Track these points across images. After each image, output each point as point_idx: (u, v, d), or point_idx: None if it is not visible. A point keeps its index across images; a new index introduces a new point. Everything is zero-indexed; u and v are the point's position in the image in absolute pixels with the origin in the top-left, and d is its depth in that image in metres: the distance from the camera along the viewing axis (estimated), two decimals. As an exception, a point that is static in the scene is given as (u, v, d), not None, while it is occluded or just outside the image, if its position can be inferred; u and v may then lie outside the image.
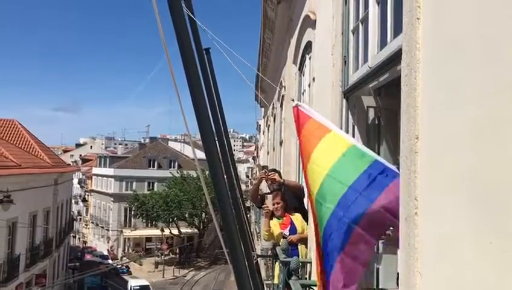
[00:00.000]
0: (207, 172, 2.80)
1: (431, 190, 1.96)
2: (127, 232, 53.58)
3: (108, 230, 55.74)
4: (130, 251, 54.07)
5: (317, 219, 2.97)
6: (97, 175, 60.32)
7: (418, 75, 2.09)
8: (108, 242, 55.86)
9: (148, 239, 53.76)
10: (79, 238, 65.30)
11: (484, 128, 1.57)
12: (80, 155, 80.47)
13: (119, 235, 54.47)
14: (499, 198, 1.46)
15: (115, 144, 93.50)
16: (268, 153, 16.22)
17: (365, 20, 3.61)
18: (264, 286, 6.22)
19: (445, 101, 1.86)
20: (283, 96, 10.11)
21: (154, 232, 51.38)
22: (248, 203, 14.11)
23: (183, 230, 50.95)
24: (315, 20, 5.65)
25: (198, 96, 2.47)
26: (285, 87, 9.50)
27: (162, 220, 48.70)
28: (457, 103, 1.76)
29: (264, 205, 6.10)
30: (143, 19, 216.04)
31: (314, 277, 3.99)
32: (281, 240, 5.21)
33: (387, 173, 2.78)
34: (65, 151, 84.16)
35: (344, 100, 3.98)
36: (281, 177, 6.30)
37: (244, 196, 7.93)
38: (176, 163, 57.07)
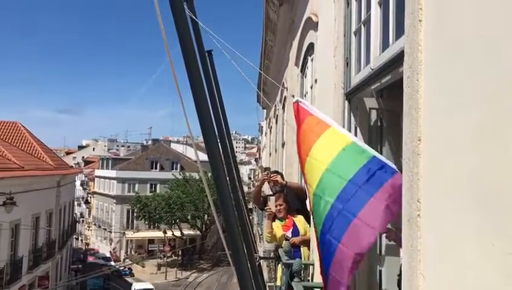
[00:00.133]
0: (209, 174, 2.80)
1: (433, 192, 1.95)
2: (130, 234, 53.59)
3: (110, 232, 55.73)
4: (133, 252, 54.07)
5: (315, 213, 2.98)
6: (99, 177, 60.37)
7: (420, 77, 2.09)
8: (110, 244, 55.86)
9: (151, 241, 53.73)
10: (81, 240, 65.34)
11: (486, 130, 1.57)
12: (83, 157, 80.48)
13: (122, 237, 54.47)
14: (501, 200, 1.46)
15: (118, 146, 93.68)
16: (270, 154, 16.21)
17: (367, 22, 3.62)
18: (267, 288, 6.21)
19: (448, 103, 1.86)
20: (285, 98, 10.11)
21: (157, 234, 51.35)
22: (250, 205, 14.10)
23: (185, 232, 50.91)
24: (317, 22, 5.65)
25: (201, 98, 2.48)
26: (287, 89, 9.50)
27: (164, 222, 48.68)
28: (459, 104, 1.76)
29: (267, 207, 6.10)
30: (145, 22, 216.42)
31: (317, 279, 4.00)
32: (284, 242, 5.21)
33: (386, 169, 2.81)
34: (68, 153, 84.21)
35: (346, 102, 3.98)
36: (283, 179, 6.30)
37: (246, 198, 7.94)
38: (179, 165, 57.07)
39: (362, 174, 2.80)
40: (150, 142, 73.24)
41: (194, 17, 3.32)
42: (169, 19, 2.41)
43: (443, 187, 1.87)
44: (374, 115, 3.86)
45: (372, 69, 3.30)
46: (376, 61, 3.26)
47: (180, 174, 51.70)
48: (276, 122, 13.49)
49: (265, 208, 6.20)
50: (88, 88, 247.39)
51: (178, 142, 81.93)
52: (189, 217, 49.22)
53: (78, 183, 56.12)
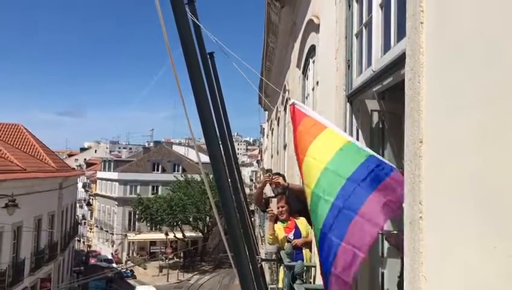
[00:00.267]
0: (211, 176, 2.81)
1: (435, 194, 1.95)
2: (132, 236, 53.61)
3: (112, 234, 55.78)
4: (135, 254, 54.09)
5: (313, 213, 2.98)
6: (101, 179, 60.43)
7: (422, 79, 2.09)
8: (112, 246, 55.89)
9: (153, 243, 53.74)
10: (83, 242, 65.39)
11: (488, 132, 1.57)
12: (85, 159, 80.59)
13: (124, 239, 54.51)
14: (503, 202, 1.45)
15: (119, 148, 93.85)
16: (272, 156, 16.21)
17: (369, 24, 3.62)
18: (269, 290, 6.20)
19: (449, 105, 1.86)
20: (287, 100, 10.12)
21: (159, 236, 51.37)
22: (252, 207, 14.10)
23: (187, 234, 50.91)
24: (319, 24, 5.66)
25: (203, 100, 2.48)
26: (289, 91, 9.50)
27: (166, 224, 48.71)
28: (461, 106, 1.76)
29: (269, 209, 6.10)
30: (147, 24, 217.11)
31: (319, 281, 3.99)
32: (286, 244, 5.20)
33: (384, 166, 2.83)
34: (70, 155, 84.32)
35: (348, 104, 3.98)
36: (285, 180, 6.30)
37: (248, 200, 7.93)
38: (180, 167, 57.12)
39: (360, 171, 2.82)
40: (151, 144, 73.25)
41: (195, 20, 3.32)
42: (171, 21, 2.42)
43: (445, 189, 1.87)
44: (375, 117, 3.85)
45: (373, 71, 3.30)
46: (378, 63, 3.26)
47: (182, 176, 51.73)
48: (278, 124, 13.49)
49: (267, 209, 6.20)
50: (90, 90, 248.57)
51: (180, 144, 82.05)
52: (191, 219, 49.24)
53: (80, 185, 56.14)
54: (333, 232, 2.74)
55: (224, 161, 3.17)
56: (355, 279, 3.59)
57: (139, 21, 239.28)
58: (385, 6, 3.27)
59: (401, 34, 2.73)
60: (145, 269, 48.83)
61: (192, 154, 62.73)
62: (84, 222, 65.68)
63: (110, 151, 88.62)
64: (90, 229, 65.41)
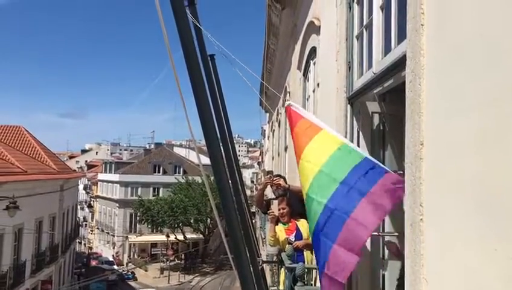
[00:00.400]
0: (212, 178, 2.81)
1: (436, 196, 1.95)
2: (133, 238, 53.59)
3: (113, 236, 55.77)
4: (136, 256, 54.06)
5: (308, 215, 3.00)
6: (102, 181, 60.46)
7: (423, 81, 2.09)
8: (113, 248, 55.88)
9: (154, 245, 53.73)
10: (84, 244, 65.40)
11: (488, 134, 1.57)
12: (86, 161, 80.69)
13: (125, 241, 54.49)
14: (504, 204, 1.45)
15: (120, 149, 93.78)
16: (273, 158, 16.20)
17: (369, 26, 3.62)
18: (270, 292, 6.20)
19: (450, 107, 1.86)
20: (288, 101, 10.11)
21: (160, 237, 51.36)
22: (253, 209, 14.10)
23: (188, 236, 50.91)
24: (319, 26, 5.66)
25: (203, 102, 2.48)
26: (289, 92, 9.51)
27: (167, 226, 48.68)
28: (461, 108, 1.76)
29: (270, 211, 6.09)
30: (148, 26, 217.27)
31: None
32: (287, 245, 5.20)
33: (377, 168, 2.84)
34: (71, 157, 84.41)
35: (348, 106, 3.98)
36: (286, 182, 6.29)
37: (249, 201, 7.93)
38: (181, 169, 57.13)
39: (354, 174, 2.83)
40: (152, 146, 73.29)
41: (196, 23, 3.32)
42: (172, 24, 2.42)
43: (445, 191, 1.87)
44: (376, 119, 3.85)
45: (374, 73, 3.30)
46: (378, 65, 3.26)
47: (182, 178, 51.74)
48: (279, 126, 13.49)
49: (268, 211, 6.19)
50: (91, 92, 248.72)
51: (181, 146, 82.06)
52: (192, 221, 49.22)
53: (81, 187, 56.20)
54: (325, 234, 2.75)
55: (225, 162, 3.16)
56: (356, 281, 3.60)
57: (140, 21, 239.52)
58: (386, 8, 3.27)
59: (401, 36, 2.73)
60: (146, 271, 48.81)
61: (193, 156, 62.75)
62: (85, 224, 65.73)
63: (111, 153, 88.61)
64: (91, 231, 65.42)
